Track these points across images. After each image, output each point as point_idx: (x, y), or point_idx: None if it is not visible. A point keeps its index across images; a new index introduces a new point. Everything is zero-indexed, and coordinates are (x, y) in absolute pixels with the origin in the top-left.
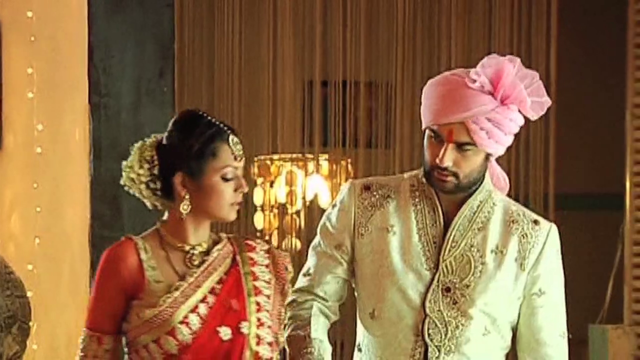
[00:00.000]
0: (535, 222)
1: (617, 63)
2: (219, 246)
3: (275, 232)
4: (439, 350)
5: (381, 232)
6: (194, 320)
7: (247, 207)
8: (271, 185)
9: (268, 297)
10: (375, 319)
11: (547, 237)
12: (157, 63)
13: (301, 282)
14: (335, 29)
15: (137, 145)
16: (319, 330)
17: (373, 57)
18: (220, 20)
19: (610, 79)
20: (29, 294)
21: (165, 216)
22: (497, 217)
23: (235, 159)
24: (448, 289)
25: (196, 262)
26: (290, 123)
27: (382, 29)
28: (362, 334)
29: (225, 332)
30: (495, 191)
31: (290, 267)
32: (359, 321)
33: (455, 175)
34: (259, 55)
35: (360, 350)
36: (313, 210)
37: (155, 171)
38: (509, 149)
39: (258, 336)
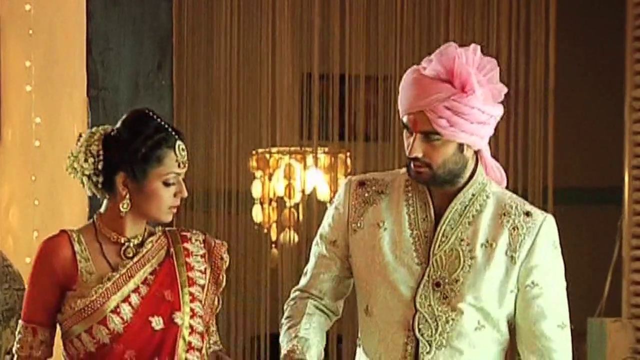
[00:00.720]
0: (528, 213)
1: (615, 56)
2: (152, 238)
3: (274, 226)
4: (429, 345)
5: (373, 228)
6: (126, 310)
7: (245, 200)
8: (269, 179)
9: (202, 287)
10: (369, 314)
11: (539, 228)
12: (155, 56)
13: (300, 282)
14: (334, 22)
15: (85, 135)
16: (310, 328)
17: (372, 51)
18: (218, 13)
19: (609, 73)
20: (27, 287)
21: (103, 208)
22: (489, 210)
23: (179, 165)
24: (438, 284)
25: (130, 254)
26: (289, 116)
27: (381, 23)
28: (360, 330)
29: (157, 322)
30: (490, 184)
31: (226, 256)
32: (358, 317)
33: (429, 165)
34: (258, 49)
35: (359, 345)
36: (311, 204)
37: (100, 166)
38: (508, 142)
39: (191, 326)
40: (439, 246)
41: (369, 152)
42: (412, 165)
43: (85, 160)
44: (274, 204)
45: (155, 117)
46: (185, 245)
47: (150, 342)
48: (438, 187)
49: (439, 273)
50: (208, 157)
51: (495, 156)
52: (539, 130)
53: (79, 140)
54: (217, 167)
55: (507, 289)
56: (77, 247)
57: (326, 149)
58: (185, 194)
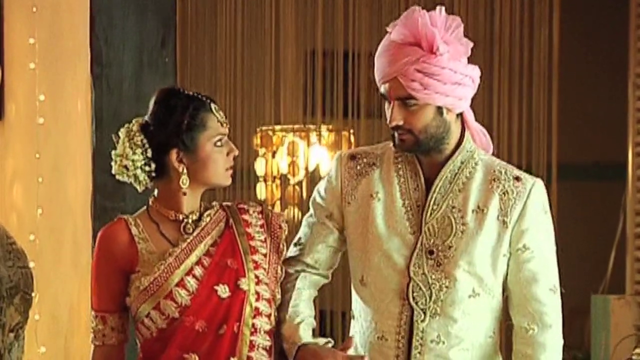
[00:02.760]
0: (517, 178)
1: (619, 33)
2: (210, 212)
3: (278, 203)
4: (424, 313)
5: (366, 199)
6: (191, 282)
7: (249, 177)
8: (273, 156)
9: (264, 255)
10: (364, 285)
11: (529, 192)
12: (159, 33)
13: (291, 251)
14: None
15: (123, 131)
16: (299, 305)
17: (375, 28)
18: None
19: (613, 50)
20: (31, 264)
21: (156, 192)
22: (479, 177)
23: (222, 125)
24: (431, 252)
25: (190, 230)
26: (292, 93)
27: None
28: (354, 301)
29: (223, 290)
30: (478, 151)
31: (284, 225)
32: (352, 289)
33: (411, 132)
34: (261, 25)
35: (354, 317)
36: (315, 181)
37: (149, 154)
38: (512, 118)
39: (257, 292)
40: (430, 214)
41: (372, 129)
42: (395, 134)
43: (134, 153)
44: (277, 181)
45: (182, 90)
46: (244, 216)
47: (218, 310)
48: (425, 154)
49: (432, 241)
50: None
51: (499, 132)
52: (543, 107)
53: (116, 143)
54: None
55: (499, 253)
56: (134, 230)
57: (330, 126)
58: (237, 151)
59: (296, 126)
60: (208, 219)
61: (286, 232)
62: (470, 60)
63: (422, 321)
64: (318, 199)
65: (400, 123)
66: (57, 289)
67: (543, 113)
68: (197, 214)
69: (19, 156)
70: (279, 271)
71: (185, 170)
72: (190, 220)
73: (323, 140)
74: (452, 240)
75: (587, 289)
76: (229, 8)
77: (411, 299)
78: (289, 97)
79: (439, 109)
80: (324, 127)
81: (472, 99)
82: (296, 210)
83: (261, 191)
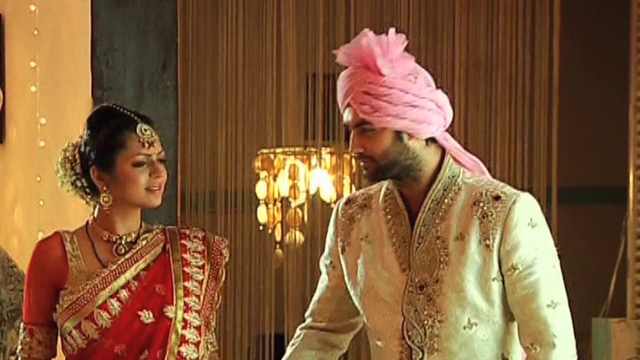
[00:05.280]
0: (497, 197)
1: (620, 56)
2: (148, 235)
3: (278, 226)
4: (422, 351)
5: (358, 242)
6: (114, 305)
7: (250, 200)
8: (274, 179)
9: (200, 282)
10: (369, 328)
11: (509, 210)
12: (160, 56)
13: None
14: (339, 21)
15: (63, 147)
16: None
17: None
18: (223, 12)
19: (614, 72)
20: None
21: (96, 212)
22: (460, 202)
23: (144, 145)
24: (422, 287)
25: (122, 251)
26: (294, 116)
27: (385, 22)
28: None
29: (146, 316)
30: (463, 174)
31: (225, 252)
32: None
33: (372, 159)
34: (262, 48)
35: None
36: (316, 204)
37: (77, 169)
38: (512, 141)
39: (185, 320)
40: (416, 248)
41: None
42: (360, 164)
43: (63, 167)
44: (278, 204)
45: (116, 108)
46: (183, 241)
47: (140, 336)
48: (404, 186)
49: (420, 275)
50: (213, 157)
51: (500, 156)
52: (543, 130)
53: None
54: (221, 167)
55: (488, 278)
56: (67, 247)
57: (331, 149)
58: (162, 174)
59: (297, 149)
60: (144, 242)
61: (227, 259)
62: (471, 84)
63: (421, 359)
64: (325, 249)
65: (360, 150)
66: None
67: (543, 136)
68: (134, 235)
69: (19, 179)
70: (216, 297)
71: (105, 189)
72: (123, 242)
73: (324, 163)
74: (438, 272)
75: (588, 312)
76: (230, 31)
77: (407, 338)
78: (290, 120)
79: (398, 134)
80: (325, 150)
81: (472, 124)
82: (297, 233)
83: (262, 214)
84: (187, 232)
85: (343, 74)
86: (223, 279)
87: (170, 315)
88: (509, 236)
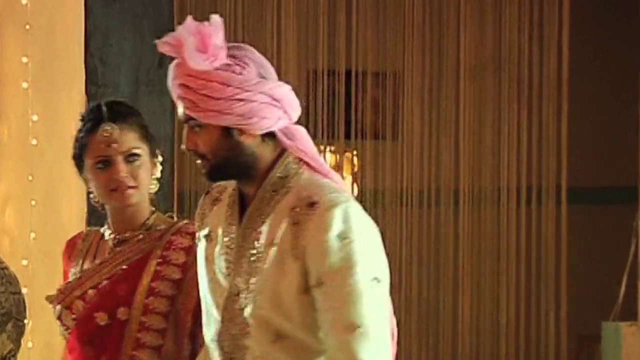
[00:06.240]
0: (312, 204)
1: (631, 53)
2: (140, 235)
3: None
4: None
5: (200, 240)
6: (79, 306)
7: None
8: None
9: (174, 282)
10: (204, 332)
11: (319, 219)
12: (156, 52)
13: None
14: (341, 15)
15: None
16: None
17: (380, 46)
18: (221, 7)
19: (624, 69)
20: (23, 290)
21: None
22: (282, 207)
23: (104, 145)
24: (237, 294)
25: (110, 251)
26: None
27: (390, 16)
28: None
29: (101, 318)
30: (299, 175)
31: None
32: None
33: (204, 157)
34: (262, 44)
35: None
36: None
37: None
38: (520, 139)
39: (141, 322)
40: (237, 252)
41: (377, 151)
42: (198, 162)
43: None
44: None
45: (98, 106)
46: (174, 237)
47: (94, 337)
48: (243, 185)
49: (237, 282)
50: None
51: (508, 155)
52: (552, 128)
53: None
54: None
55: (298, 290)
56: (79, 245)
57: (332, 148)
58: (118, 172)
59: None
60: (134, 240)
61: None
62: (478, 81)
63: None
64: None
65: (191, 148)
66: (51, 316)
67: (553, 135)
68: (128, 234)
69: (11, 178)
70: (195, 295)
71: (90, 188)
72: (116, 241)
73: (326, 162)
74: (250, 280)
75: (598, 316)
76: (228, 27)
77: (222, 348)
78: None
79: (227, 130)
80: (327, 149)
81: (480, 122)
82: None
83: None
84: (190, 228)
85: (172, 64)
86: None
87: (122, 317)
88: (315, 247)
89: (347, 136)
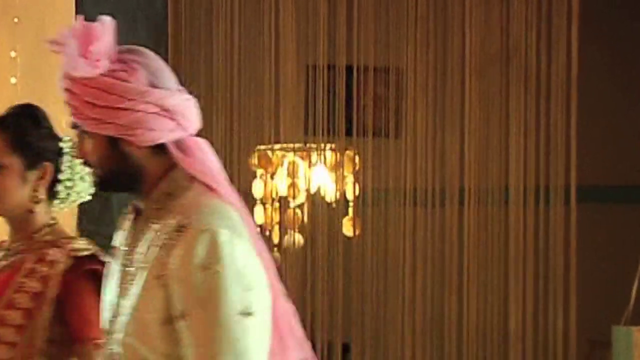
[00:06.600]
0: (180, 227)
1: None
2: (19, 245)
3: (276, 227)
4: None
5: (107, 257)
6: None
7: (246, 200)
8: (272, 177)
9: (34, 294)
10: None
11: (186, 246)
12: (150, 46)
13: None
14: (341, 8)
15: None
16: None
17: (382, 40)
18: None
19: (633, 70)
20: None
21: None
22: (159, 228)
23: None
24: (116, 316)
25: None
26: (293, 111)
27: (392, 9)
28: None
29: None
30: (187, 194)
31: (64, 259)
32: None
33: (94, 167)
34: (260, 38)
35: None
36: (316, 204)
37: None
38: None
39: None
40: (121, 273)
41: (379, 149)
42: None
43: None
44: (276, 204)
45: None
46: (45, 250)
47: None
48: (137, 197)
49: (118, 305)
50: None
51: (515, 152)
52: (561, 124)
53: None
54: None
55: (163, 320)
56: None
57: (333, 146)
58: None
59: (297, 145)
60: (10, 252)
61: (62, 267)
62: (484, 76)
63: None
64: None
65: (81, 155)
66: None
67: (561, 132)
68: (6, 246)
69: None
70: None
71: None
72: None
73: (326, 160)
74: (123, 303)
75: (609, 320)
76: (225, 20)
77: None
78: (289, 115)
79: (113, 140)
80: (326, 147)
81: (486, 119)
82: (297, 235)
83: (259, 215)
84: (63, 242)
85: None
86: (54, 292)
87: None
88: (178, 276)
89: (348, 134)
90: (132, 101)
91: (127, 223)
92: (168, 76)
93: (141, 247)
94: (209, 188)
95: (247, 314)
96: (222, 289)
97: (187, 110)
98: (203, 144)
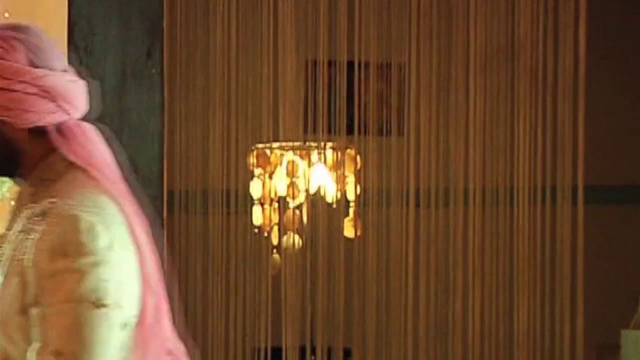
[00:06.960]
0: (43, 212)
1: None
2: None
3: (275, 228)
4: None
5: None
6: None
7: (245, 200)
8: (270, 177)
9: None
10: None
11: (44, 231)
12: (145, 42)
13: None
14: (342, 2)
15: None
16: None
17: (384, 35)
18: None
19: None
20: None
21: None
22: (29, 212)
23: None
24: None
25: None
26: (292, 108)
27: (395, 3)
28: None
29: None
30: (64, 178)
31: None
32: None
33: None
34: (258, 33)
35: None
36: (316, 204)
37: None
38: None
39: None
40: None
41: (381, 148)
42: None
43: None
44: (275, 204)
45: None
46: None
47: None
48: (19, 182)
49: None
50: (204, 153)
51: (522, 151)
52: (568, 122)
53: None
54: (214, 164)
55: (18, 309)
56: None
57: (333, 144)
58: None
59: (296, 144)
60: None
61: None
62: (489, 72)
63: None
64: None
65: None
66: None
67: (569, 129)
68: None
69: None
70: None
71: None
72: None
73: (326, 159)
74: None
75: (617, 324)
76: (222, 14)
77: None
78: (288, 112)
79: None
80: (327, 145)
81: (492, 116)
82: (296, 236)
83: (257, 216)
84: None
85: None
86: None
87: None
88: (33, 262)
89: (349, 132)
90: (7, 80)
91: (11, 209)
92: (52, 55)
93: (13, 234)
94: (89, 175)
95: (100, 305)
96: (74, 276)
97: (71, 93)
98: (90, 130)
